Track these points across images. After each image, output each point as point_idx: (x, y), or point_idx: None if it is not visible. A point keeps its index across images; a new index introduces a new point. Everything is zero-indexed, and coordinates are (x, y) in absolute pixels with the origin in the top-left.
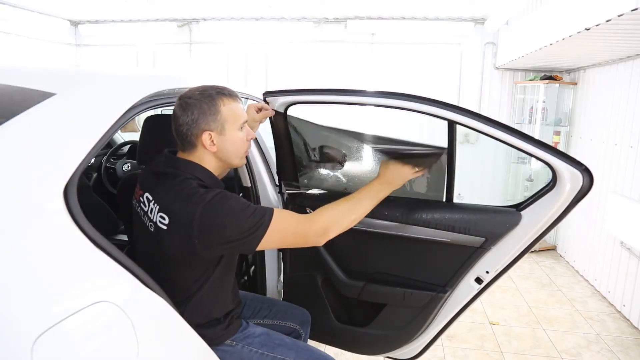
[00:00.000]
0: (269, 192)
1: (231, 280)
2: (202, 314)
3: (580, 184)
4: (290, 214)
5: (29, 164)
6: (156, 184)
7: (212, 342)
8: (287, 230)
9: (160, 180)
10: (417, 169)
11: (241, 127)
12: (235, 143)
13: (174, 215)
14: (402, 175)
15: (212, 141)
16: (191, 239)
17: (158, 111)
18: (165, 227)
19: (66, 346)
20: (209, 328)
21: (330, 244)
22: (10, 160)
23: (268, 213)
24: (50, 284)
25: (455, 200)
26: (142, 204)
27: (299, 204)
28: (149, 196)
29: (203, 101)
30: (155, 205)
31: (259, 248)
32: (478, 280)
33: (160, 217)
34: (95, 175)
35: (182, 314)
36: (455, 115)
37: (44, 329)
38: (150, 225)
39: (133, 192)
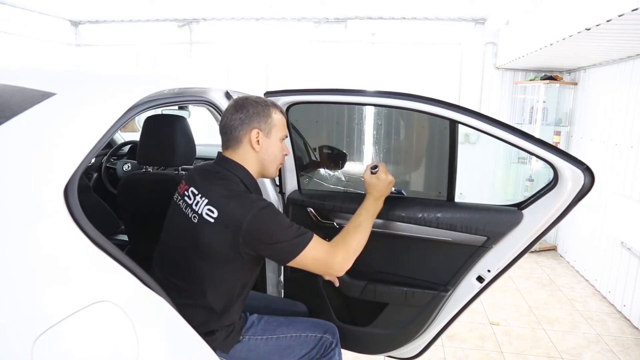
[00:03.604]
0: (269, 192)
1: (252, 286)
2: (228, 314)
3: (582, 182)
4: (323, 243)
5: (29, 164)
6: (203, 179)
7: (231, 344)
8: (317, 255)
9: (206, 176)
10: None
11: (282, 139)
12: (276, 149)
13: (224, 211)
14: (389, 183)
15: (258, 140)
16: (236, 236)
17: (158, 111)
18: (212, 220)
19: (66, 346)
20: (230, 331)
21: None
22: (11, 160)
23: (309, 234)
24: (50, 283)
25: (457, 199)
26: (186, 197)
27: (300, 204)
28: (194, 190)
29: (259, 104)
30: (203, 198)
31: (292, 263)
32: (479, 279)
33: (209, 209)
34: (95, 175)
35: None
36: (457, 114)
37: (44, 329)
38: (194, 216)
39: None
